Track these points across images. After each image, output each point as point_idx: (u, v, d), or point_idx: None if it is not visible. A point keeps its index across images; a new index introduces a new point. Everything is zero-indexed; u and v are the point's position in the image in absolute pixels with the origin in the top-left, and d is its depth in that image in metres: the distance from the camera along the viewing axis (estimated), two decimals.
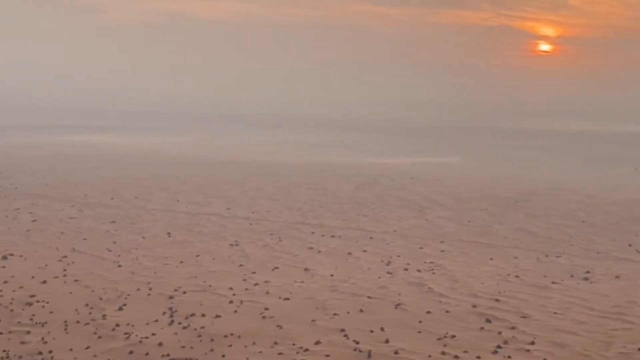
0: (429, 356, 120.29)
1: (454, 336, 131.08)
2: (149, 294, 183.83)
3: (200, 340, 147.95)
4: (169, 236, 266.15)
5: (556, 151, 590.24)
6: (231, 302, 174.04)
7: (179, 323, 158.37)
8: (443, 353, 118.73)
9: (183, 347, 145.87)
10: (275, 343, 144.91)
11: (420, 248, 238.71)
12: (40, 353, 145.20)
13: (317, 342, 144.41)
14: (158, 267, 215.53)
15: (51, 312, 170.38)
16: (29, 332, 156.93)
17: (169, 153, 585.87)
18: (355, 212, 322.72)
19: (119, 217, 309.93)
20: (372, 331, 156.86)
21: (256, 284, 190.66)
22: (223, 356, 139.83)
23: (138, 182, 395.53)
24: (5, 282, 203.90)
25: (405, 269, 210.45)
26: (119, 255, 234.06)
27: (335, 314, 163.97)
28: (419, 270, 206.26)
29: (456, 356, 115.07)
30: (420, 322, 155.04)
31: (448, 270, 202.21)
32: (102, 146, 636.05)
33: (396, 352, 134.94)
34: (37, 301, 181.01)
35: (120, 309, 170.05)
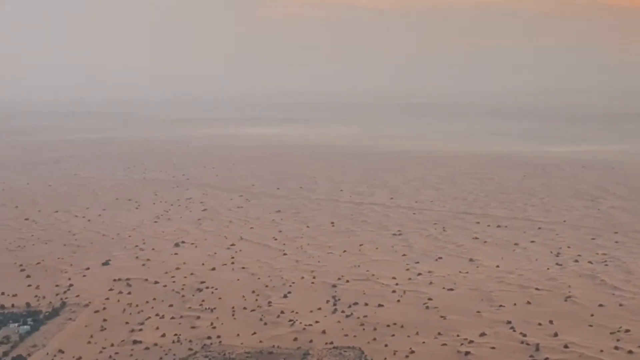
0: (601, 351, 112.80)
1: (628, 330, 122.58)
2: (312, 282, 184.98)
3: (363, 329, 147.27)
4: (333, 225, 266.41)
5: None
6: (394, 291, 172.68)
7: (342, 311, 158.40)
8: (616, 348, 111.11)
9: (346, 335, 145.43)
10: (439, 334, 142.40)
11: (592, 239, 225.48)
12: (209, 337, 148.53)
13: (482, 334, 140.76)
14: (322, 256, 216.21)
15: (220, 298, 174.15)
16: (199, 317, 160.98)
17: (335, 144, 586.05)
18: (523, 202, 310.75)
19: (284, 207, 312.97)
20: (540, 324, 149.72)
21: (419, 274, 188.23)
22: (386, 345, 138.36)
23: (303, 172, 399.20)
24: (178, 268, 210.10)
25: (576, 261, 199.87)
26: (284, 244, 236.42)
27: (501, 306, 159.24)
28: (590, 262, 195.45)
29: (630, 351, 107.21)
30: (591, 315, 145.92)
31: (622, 262, 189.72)
32: (269, 138, 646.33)
33: (566, 346, 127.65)
34: (207, 287, 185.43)
35: (285, 296, 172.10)
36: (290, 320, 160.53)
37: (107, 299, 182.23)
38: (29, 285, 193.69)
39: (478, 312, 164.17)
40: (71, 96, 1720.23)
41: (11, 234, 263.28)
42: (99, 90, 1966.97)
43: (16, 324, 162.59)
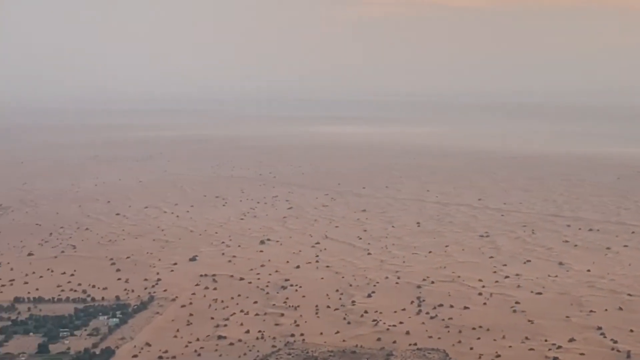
0: None
1: None
2: (397, 283, 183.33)
3: (448, 331, 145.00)
4: (419, 226, 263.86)
5: None
6: (480, 294, 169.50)
7: (427, 313, 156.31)
8: None
9: (430, 337, 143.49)
10: (526, 338, 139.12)
11: None
12: (292, 335, 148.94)
13: (571, 340, 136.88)
14: (407, 256, 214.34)
15: (303, 296, 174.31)
16: (282, 315, 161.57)
17: (422, 143, 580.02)
18: (616, 205, 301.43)
19: (369, 206, 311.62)
20: (632, 330, 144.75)
21: (507, 277, 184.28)
22: (471, 349, 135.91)
23: (389, 171, 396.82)
24: (262, 265, 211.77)
25: None
26: (368, 244, 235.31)
27: (591, 311, 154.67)
28: None
29: None
30: None
31: None
32: (355, 136, 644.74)
33: None
34: (291, 285, 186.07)
35: (369, 296, 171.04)
36: (373, 320, 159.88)
37: (194, 294, 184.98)
38: (119, 279, 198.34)
39: (567, 317, 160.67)
40: (165, 94, 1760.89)
41: (103, 228, 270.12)
42: (192, 88, 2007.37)
43: (106, 317, 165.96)
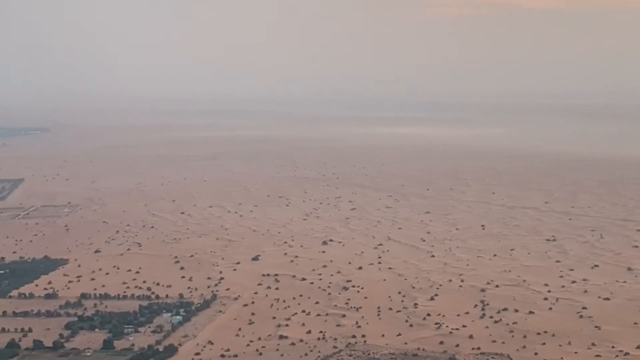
0: None
1: None
2: (460, 286, 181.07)
3: (512, 336, 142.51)
4: (483, 228, 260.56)
5: None
6: (546, 298, 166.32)
7: (491, 317, 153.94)
8: None
9: (494, 341, 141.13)
10: (593, 344, 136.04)
11: None
12: (353, 336, 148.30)
13: (639, 347, 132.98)
14: (471, 259, 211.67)
15: (365, 298, 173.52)
16: (344, 316, 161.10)
17: (488, 145, 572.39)
18: None
19: (433, 208, 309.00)
20: None
21: (574, 282, 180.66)
22: (536, 354, 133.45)
23: (454, 173, 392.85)
24: (325, 266, 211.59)
25: None
26: (432, 246, 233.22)
27: None
28: None
29: None
30: None
31: None
32: (419, 138, 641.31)
33: None
34: (353, 286, 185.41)
35: (432, 298, 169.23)
36: (436, 323, 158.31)
37: (256, 293, 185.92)
38: (183, 277, 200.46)
39: (635, 323, 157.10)
40: (228, 95, 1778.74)
41: (168, 226, 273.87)
42: (253, 88, 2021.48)
43: (169, 314, 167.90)
